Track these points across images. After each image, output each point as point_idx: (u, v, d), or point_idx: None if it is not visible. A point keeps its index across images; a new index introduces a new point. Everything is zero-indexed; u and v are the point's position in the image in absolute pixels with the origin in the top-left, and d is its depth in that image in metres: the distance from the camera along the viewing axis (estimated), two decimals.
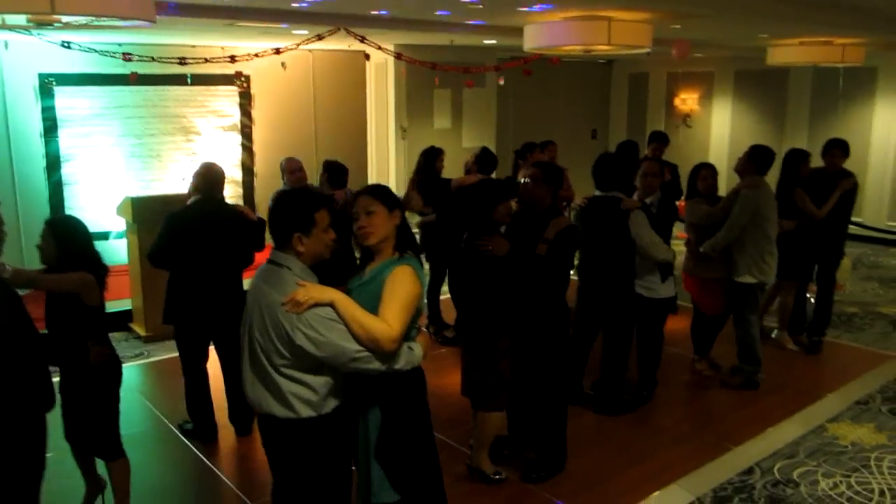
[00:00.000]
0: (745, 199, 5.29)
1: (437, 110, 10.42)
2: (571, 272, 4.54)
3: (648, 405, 5.33)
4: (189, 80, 8.46)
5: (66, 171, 8.71)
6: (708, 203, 5.52)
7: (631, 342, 5.18)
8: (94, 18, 4.07)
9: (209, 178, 4.68)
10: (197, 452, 4.75)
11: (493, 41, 9.09)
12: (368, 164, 10.56)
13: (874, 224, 10.76)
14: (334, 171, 5.65)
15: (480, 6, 6.10)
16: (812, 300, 6.61)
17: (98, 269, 3.61)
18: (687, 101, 13.06)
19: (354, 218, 2.90)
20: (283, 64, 8.14)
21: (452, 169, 7.30)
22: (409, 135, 10.09)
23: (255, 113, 10.06)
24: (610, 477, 4.39)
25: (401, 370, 2.78)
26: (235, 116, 9.94)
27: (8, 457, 3.12)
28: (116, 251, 8.26)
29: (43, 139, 8.52)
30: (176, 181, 9.29)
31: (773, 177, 5.59)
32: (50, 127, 8.53)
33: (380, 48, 8.12)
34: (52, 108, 8.53)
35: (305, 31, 7.37)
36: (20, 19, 4.37)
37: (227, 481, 4.41)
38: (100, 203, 8.65)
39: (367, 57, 9.63)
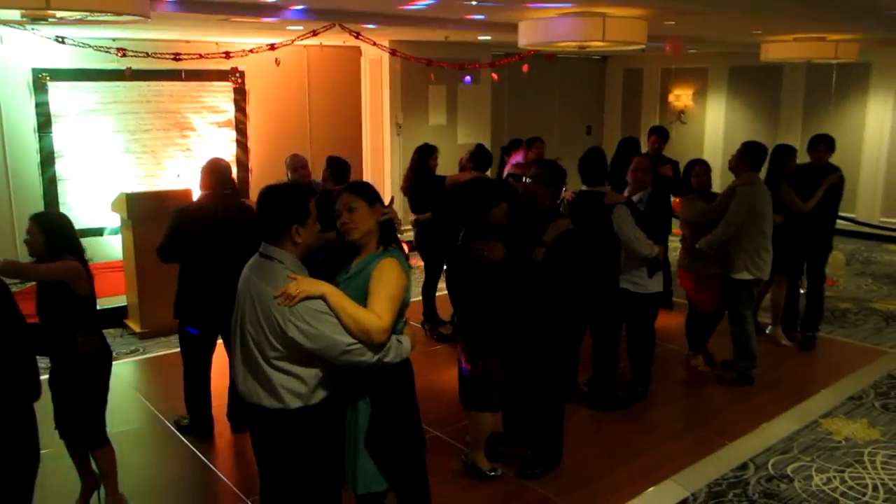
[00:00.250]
0: (742, 195, 5.30)
1: (431, 106, 10.41)
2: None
3: (643, 401, 5.35)
4: (184, 76, 8.43)
5: (60, 166, 8.67)
6: (702, 199, 5.53)
7: (618, 337, 5.18)
8: (88, 14, 4.06)
9: (215, 174, 4.71)
10: (193, 449, 4.74)
11: (488, 37, 9.08)
12: (363, 161, 10.54)
13: (867, 220, 10.80)
14: (338, 167, 5.67)
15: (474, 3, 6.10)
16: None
17: (81, 256, 3.67)
18: (681, 97, 13.09)
19: (337, 214, 2.95)
20: (277, 60, 8.13)
21: (447, 165, 7.29)
22: (403, 131, 10.09)
23: (249, 109, 10.04)
24: (605, 473, 4.41)
25: (390, 363, 2.82)
26: (230, 112, 9.92)
27: None
28: (111, 247, 8.25)
29: (37, 134, 8.47)
30: (170, 177, 9.27)
31: (761, 173, 5.61)
32: (44, 122, 8.49)
33: (375, 44, 8.10)
34: (46, 104, 8.49)
35: (300, 27, 7.35)
36: (14, 14, 4.36)
37: (224, 478, 4.41)
38: (94, 199, 8.61)
39: (363, 53, 9.62)
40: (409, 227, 8.47)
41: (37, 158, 8.52)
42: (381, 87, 10.13)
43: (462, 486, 4.24)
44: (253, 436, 2.97)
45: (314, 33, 7.34)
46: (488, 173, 6.68)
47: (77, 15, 4.13)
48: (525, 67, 9.20)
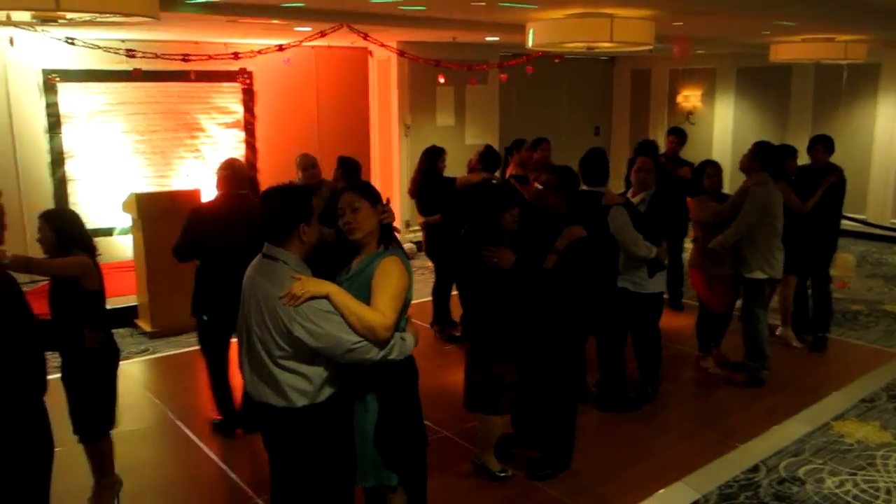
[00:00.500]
0: (755, 196, 5.30)
1: (439, 107, 10.41)
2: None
3: (653, 403, 5.32)
4: (192, 77, 8.46)
5: (71, 167, 8.71)
6: (714, 200, 5.52)
7: (623, 338, 5.17)
8: (97, 15, 4.07)
9: (230, 174, 4.74)
10: (203, 447, 4.75)
11: (496, 38, 9.07)
12: (371, 162, 10.55)
13: (878, 221, 10.74)
14: (349, 167, 5.68)
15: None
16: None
17: (91, 251, 3.71)
18: (690, 97, 13.05)
19: (340, 214, 2.97)
20: (287, 60, 8.15)
21: (455, 167, 7.29)
22: (412, 132, 10.09)
23: (257, 109, 10.06)
24: (615, 474, 4.39)
25: (395, 359, 2.85)
26: (238, 113, 9.94)
27: (9, 442, 3.17)
28: (122, 247, 8.28)
29: (47, 135, 8.51)
30: (180, 177, 9.30)
31: None
32: (54, 123, 8.53)
33: (383, 45, 8.11)
34: (56, 105, 8.53)
35: (308, 28, 7.36)
36: (25, 15, 4.38)
37: (234, 476, 4.41)
38: (104, 199, 8.64)
39: (371, 54, 9.62)
40: (418, 228, 8.49)
41: (47, 159, 8.56)
42: (390, 88, 10.13)
43: (472, 486, 4.24)
44: (263, 434, 3.02)
45: (322, 34, 7.35)
46: (496, 174, 6.67)
47: (86, 16, 4.14)
48: (530, 69, 9.19)
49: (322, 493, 2.92)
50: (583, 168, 4.88)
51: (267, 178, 9.87)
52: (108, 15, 4.08)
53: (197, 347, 5.00)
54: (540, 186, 4.33)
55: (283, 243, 2.80)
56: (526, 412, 4.47)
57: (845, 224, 7.27)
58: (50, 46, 7.86)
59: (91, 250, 3.71)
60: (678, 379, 5.78)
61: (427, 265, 8.13)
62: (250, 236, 4.52)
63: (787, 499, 4.13)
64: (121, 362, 3.96)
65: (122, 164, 9.06)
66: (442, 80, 9.37)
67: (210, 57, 7.78)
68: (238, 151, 9.92)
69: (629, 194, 5.26)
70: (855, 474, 4.40)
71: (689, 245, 7.43)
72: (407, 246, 9.81)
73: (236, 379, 4.92)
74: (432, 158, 6.54)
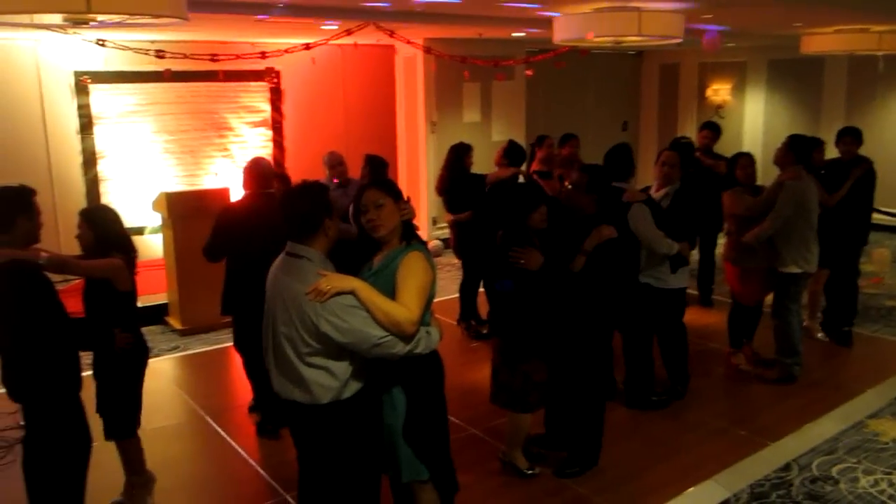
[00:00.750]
0: (790, 190, 5.23)
1: (466, 104, 10.39)
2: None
3: (682, 399, 5.27)
4: (221, 77, 8.55)
5: (102, 167, 8.85)
6: (748, 193, 5.46)
7: (648, 334, 5.13)
8: (128, 16, 4.12)
9: (256, 173, 4.79)
10: (233, 444, 4.80)
11: (522, 34, 9.03)
12: (398, 159, 10.57)
13: None
14: (375, 165, 5.70)
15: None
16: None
17: (130, 251, 3.76)
18: (719, 91, 12.87)
19: (363, 211, 2.97)
20: (313, 59, 8.19)
21: (482, 163, 7.27)
22: (438, 129, 10.08)
23: (285, 108, 10.13)
24: (644, 472, 4.36)
25: (421, 353, 2.87)
26: (266, 112, 10.02)
27: (47, 439, 3.25)
28: (152, 246, 8.40)
29: (79, 136, 8.66)
30: (209, 176, 9.40)
31: None
32: (85, 124, 8.67)
33: (409, 42, 8.11)
34: (88, 106, 8.67)
35: (335, 26, 7.39)
36: (56, 18, 4.45)
37: (263, 473, 4.45)
38: (135, 198, 8.77)
39: (397, 51, 9.64)
40: (445, 225, 8.49)
41: (79, 159, 8.70)
42: (416, 85, 10.14)
43: (500, 483, 4.23)
44: (291, 431, 3.05)
45: (348, 32, 7.37)
46: (522, 167, 6.68)
47: (117, 18, 4.19)
48: (559, 64, 9.14)
49: (349, 488, 2.94)
50: (607, 163, 4.85)
51: (295, 176, 9.90)
52: (137, 16, 4.14)
53: (227, 345, 5.05)
54: (569, 185, 4.29)
55: (308, 240, 2.83)
56: (555, 410, 4.45)
57: (881, 219, 7.15)
58: (81, 49, 7.99)
59: (128, 250, 3.76)
60: (708, 376, 5.72)
61: (454, 262, 8.13)
62: (276, 235, 4.58)
63: (820, 498, 4.07)
64: (151, 359, 4.04)
65: (153, 163, 9.18)
66: (466, 76, 9.35)
67: (238, 56, 7.85)
68: (266, 150, 10.00)
69: (653, 189, 5.21)
70: (890, 473, 4.31)
71: (721, 241, 7.35)
72: (434, 243, 9.81)
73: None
74: (459, 155, 6.52)
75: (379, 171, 5.64)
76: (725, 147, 7.62)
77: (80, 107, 8.61)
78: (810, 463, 4.44)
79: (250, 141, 9.91)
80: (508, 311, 4.01)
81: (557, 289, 3.95)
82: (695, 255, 5.95)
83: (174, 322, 7.07)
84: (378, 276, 2.93)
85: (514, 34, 9.12)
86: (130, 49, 7.21)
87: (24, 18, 4.58)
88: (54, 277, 3.38)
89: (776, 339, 5.60)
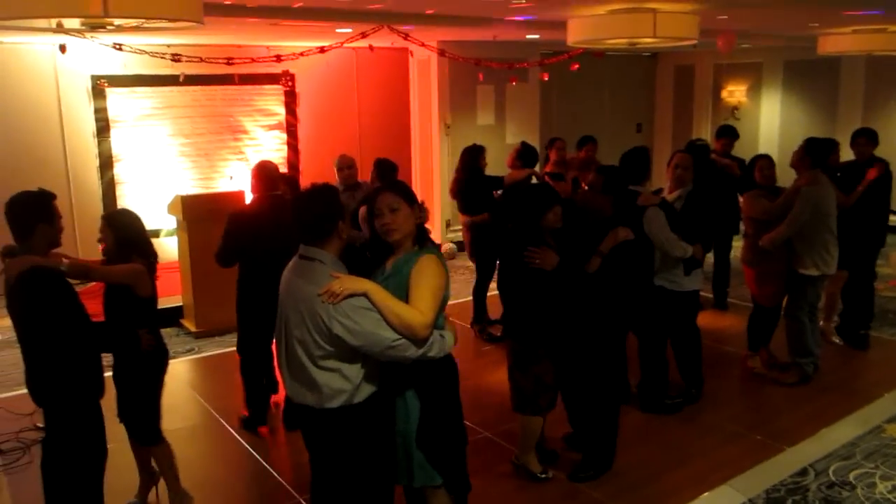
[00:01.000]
0: (806, 195, 5.21)
1: (480, 106, 10.39)
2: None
3: (697, 403, 5.24)
4: (236, 80, 8.60)
5: (118, 170, 8.93)
6: (767, 195, 5.43)
7: (664, 338, 5.11)
8: (144, 20, 4.16)
9: (262, 176, 4.81)
10: (247, 447, 4.82)
11: (536, 36, 9.02)
12: (412, 161, 10.59)
13: None
14: (384, 169, 5.72)
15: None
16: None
17: (150, 255, 3.78)
18: (735, 93, 12.80)
19: (377, 214, 2.95)
20: (328, 62, 8.22)
21: (496, 165, 7.27)
22: (452, 131, 10.09)
23: (300, 111, 10.17)
24: (658, 476, 4.33)
25: (434, 357, 2.84)
26: (281, 115, 10.07)
27: (68, 443, 3.27)
28: (167, 248, 8.45)
29: (95, 139, 8.74)
30: (224, 179, 9.46)
31: None
32: (102, 127, 8.75)
33: (423, 45, 8.12)
34: (105, 109, 8.75)
35: (349, 30, 7.41)
36: (75, 22, 4.49)
37: (277, 475, 4.47)
38: (151, 201, 8.83)
39: (411, 54, 9.66)
40: (459, 228, 8.48)
41: (96, 163, 8.79)
42: (430, 88, 10.15)
43: (513, 487, 4.22)
44: (304, 435, 3.03)
45: (363, 35, 7.39)
46: (536, 168, 6.69)
47: (134, 22, 4.23)
48: (574, 66, 9.12)
49: (362, 493, 2.93)
50: (623, 166, 4.83)
51: (309, 179, 9.97)
52: (154, 20, 4.17)
53: None
54: (585, 188, 4.29)
55: (321, 243, 2.81)
56: (576, 412, 4.44)
57: None
58: (98, 53, 8.06)
59: (149, 255, 3.77)
60: (723, 379, 5.68)
61: (468, 265, 8.12)
62: (285, 237, 4.60)
63: (837, 503, 4.03)
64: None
65: (168, 166, 9.25)
66: (481, 79, 9.36)
67: (253, 60, 7.90)
68: (280, 153, 10.06)
69: (665, 191, 5.19)
70: None
71: (736, 243, 7.30)
72: (447, 246, 9.81)
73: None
74: (474, 157, 6.53)
75: (387, 175, 5.65)
76: (742, 149, 7.57)
77: (97, 110, 8.70)
78: (827, 468, 4.40)
79: (265, 144, 9.96)
80: (522, 310, 4.01)
81: (572, 289, 3.94)
82: (709, 257, 5.92)
83: (189, 324, 7.11)
84: (390, 280, 2.91)
85: (529, 36, 9.11)
86: (147, 53, 7.27)
87: (44, 23, 4.62)
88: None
89: (789, 339, 5.57)
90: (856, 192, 5.96)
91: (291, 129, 10.16)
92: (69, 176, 8.60)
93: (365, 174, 6.29)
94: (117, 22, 4.22)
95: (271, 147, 9.99)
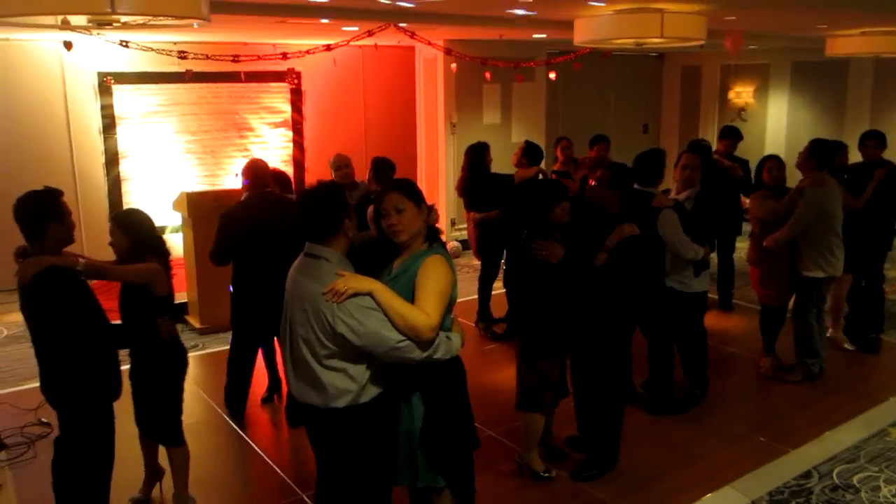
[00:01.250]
0: (810, 195, 5.20)
1: (486, 105, 10.38)
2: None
3: (702, 404, 5.23)
4: (242, 78, 8.61)
5: (124, 167, 8.95)
6: (774, 196, 5.42)
7: (673, 338, 5.10)
8: (151, 17, 4.16)
9: (252, 174, 4.84)
10: (251, 443, 4.83)
11: (543, 35, 9.00)
12: (418, 160, 10.58)
13: None
14: (379, 167, 5.73)
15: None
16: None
17: (164, 253, 3.76)
18: (742, 94, 12.76)
19: (384, 215, 2.92)
20: (334, 60, 8.22)
21: (502, 164, 7.27)
22: (458, 130, 10.08)
23: (305, 109, 10.18)
24: (661, 477, 4.32)
25: (440, 359, 2.81)
26: (287, 112, 10.07)
27: (81, 444, 3.27)
28: (172, 245, 8.46)
29: (101, 136, 8.76)
30: (229, 177, 9.47)
31: None
32: (108, 124, 8.77)
33: (429, 44, 8.12)
34: (111, 106, 8.76)
35: (356, 28, 7.41)
36: (81, 19, 4.50)
37: (280, 472, 4.47)
38: (156, 198, 8.85)
39: (417, 53, 9.65)
40: (463, 226, 8.48)
41: (102, 159, 8.80)
42: (436, 87, 10.14)
43: (516, 485, 4.22)
44: (308, 434, 3.02)
45: (369, 34, 7.39)
46: (542, 166, 6.72)
47: (140, 19, 4.23)
48: (577, 66, 9.11)
49: (363, 492, 2.92)
50: (637, 166, 4.83)
51: (315, 177, 9.96)
52: (160, 17, 4.18)
53: None
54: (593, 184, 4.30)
55: (327, 241, 2.79)
56: (582, 416, 4.44)
57: None
58: (105, 50, 8.07)
59: (163, 253, 3.74)
60: (728, 381, 5.66)
61: (473, 263, 8.12)
62: (277, 233, 4.59)
63: None
64: None
65: (174, 164, 9.27)
66: (488, 77, 9.35)
67: (259, 57, 7.90)
68: (286, 151, 10.07)
69: (673, 192, 5.18)
70: None
71: (740, 244, 7.27)
72: (452, 244, 9.81)
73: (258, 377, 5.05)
74: (479, 154, 6.53)
75: (383, 173, 5.65)
76: (748, 151, 7.55)
77: (103, 107, 8.71)
78: (831, 471, 4.38)
79: (271, 142, 9.97)
80: (529, 306, 4.00)
81: (578, 284, 3.94)
82: (713, 258, 5.91)
83: (193, 321, 7.12)
84: (397, 281, 2.88)
85: (535, 35, 9.10)
86: (153, 50, 7.28)
87: (51, 20, 4.63)
88: None
89: (796, 340, 5.56)
90: (865, 195, 5.95)
91: (297, 127, 10.17)
92: (75, 172, 8.62)
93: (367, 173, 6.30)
94: (124, 19, 4.23)
95: (277, 145, 10.00)
